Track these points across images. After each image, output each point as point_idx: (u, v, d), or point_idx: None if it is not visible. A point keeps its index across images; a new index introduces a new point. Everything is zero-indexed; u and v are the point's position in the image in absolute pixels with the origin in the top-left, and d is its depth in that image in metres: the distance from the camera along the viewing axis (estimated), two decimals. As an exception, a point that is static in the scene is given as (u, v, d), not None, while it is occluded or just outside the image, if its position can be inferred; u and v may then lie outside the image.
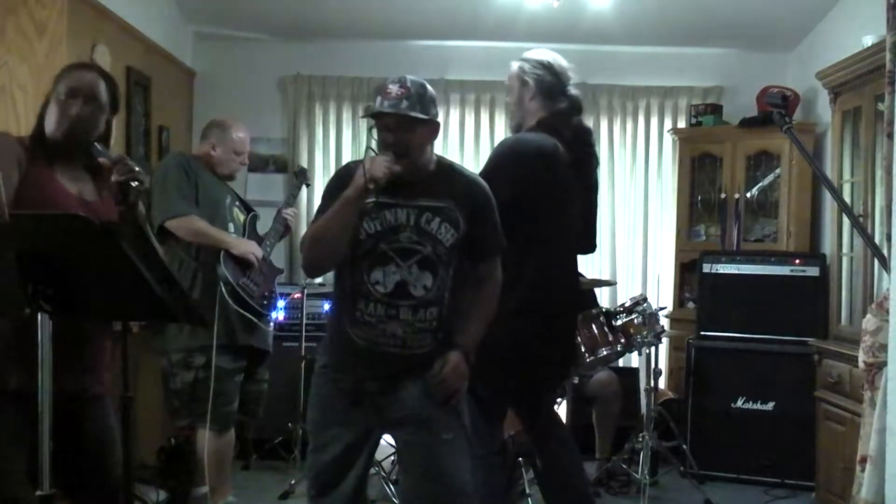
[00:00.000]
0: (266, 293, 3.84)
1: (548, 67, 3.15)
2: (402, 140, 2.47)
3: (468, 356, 2.59)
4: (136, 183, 2.29)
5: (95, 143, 2.44)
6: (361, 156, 2.53)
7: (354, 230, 2.50)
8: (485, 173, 2.94)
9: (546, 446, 3.39)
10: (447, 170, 2.64)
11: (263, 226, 4.08)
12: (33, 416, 1.97)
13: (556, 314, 3.15)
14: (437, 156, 2.64)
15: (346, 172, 2.59)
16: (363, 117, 2.55)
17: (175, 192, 3.65)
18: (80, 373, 2.39)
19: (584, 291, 3.53)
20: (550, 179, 3.06)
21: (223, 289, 3.62)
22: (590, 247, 3.47)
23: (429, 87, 2.54)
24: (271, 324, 3.99)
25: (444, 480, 2.54)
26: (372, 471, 4.54)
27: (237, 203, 3.96)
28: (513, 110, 3.26)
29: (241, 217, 3.94)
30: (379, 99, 2.49)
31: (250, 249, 3.76)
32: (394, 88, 2.47)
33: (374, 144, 2.51)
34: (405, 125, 2.46)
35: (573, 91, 3.18)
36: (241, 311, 3.67)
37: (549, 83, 3.14)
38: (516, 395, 3.24)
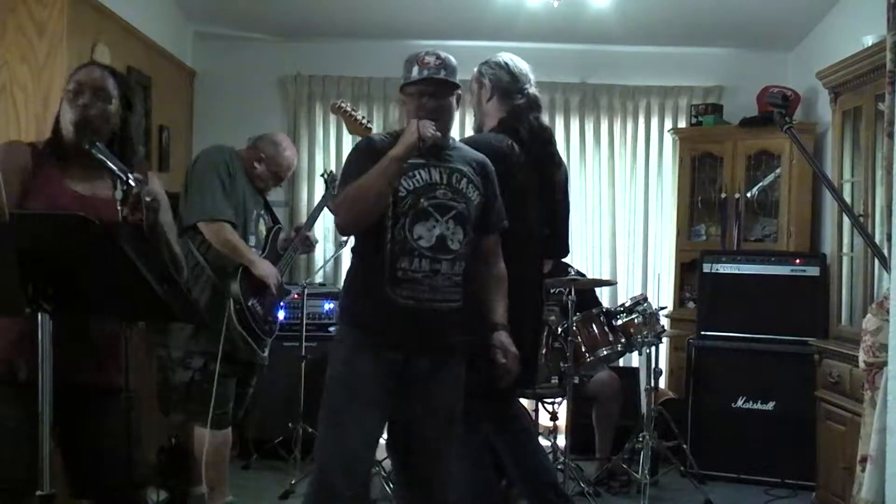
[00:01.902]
0: (270, 318, 3.82)
1: (504, 67, 3.20)
2: (442, 106, 2.65)
3: (508, 329, 2.77)
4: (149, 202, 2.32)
5: (97, 143, 2.43)
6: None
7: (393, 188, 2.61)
8: None
9: (510, 436, 3.36)
10: (459, 143, 2.85)
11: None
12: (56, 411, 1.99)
13: (512, 318, 3.02)
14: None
15: (371, 143, 2.74)
16: (406, 84, 2.68)
17: (220, 190, 3.61)
18: (97, 366, 2.40)
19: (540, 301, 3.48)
20: (503, 180, 3.00)
21: (232, 306, 3.61)
22: (560, 251, 3.44)
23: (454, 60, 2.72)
24: (266, 351, 3.91)
25: (455, 479, 2.73)
26: (372, 470, 4.59)
27: (263, 213, 3.92)
28: (474, 112, 3.32)
29: (264, 230, 3.89)
30: (417, 68, 2.64)
31: (270, 273, 3.71)
32: (431, 59, 2.65)
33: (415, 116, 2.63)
34: (445, 91, 2.65)
35: (531, 90, 3.19)
36: (243, 333, 3.65)
37: (506, 83, 3.18)
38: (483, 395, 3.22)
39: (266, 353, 3.87)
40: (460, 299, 2.68)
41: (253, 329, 3.70)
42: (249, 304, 3.66)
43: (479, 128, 3.27)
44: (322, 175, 4.73)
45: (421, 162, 2.63)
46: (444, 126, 2.67)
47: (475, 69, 3.27)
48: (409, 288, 2.58)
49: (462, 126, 5.71)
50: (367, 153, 2.66)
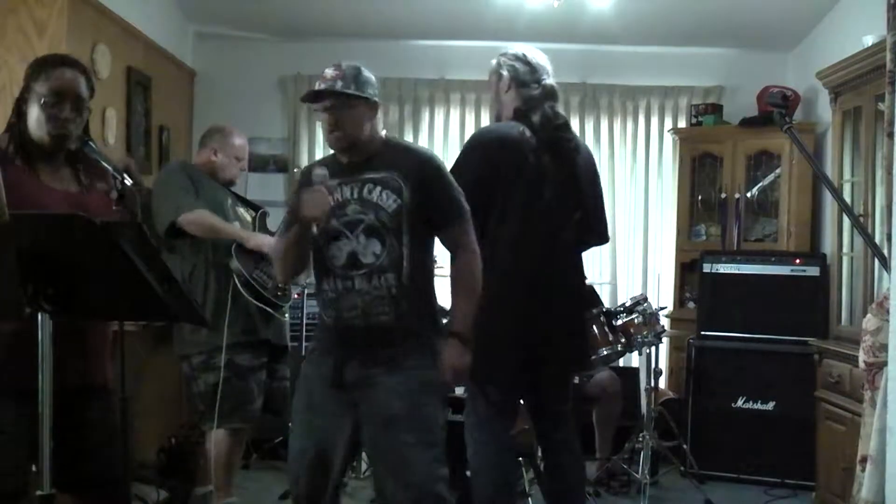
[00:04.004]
0: (280, 285, 3.80)
1: (521, 59, 3.25)
2: (342, 119, 2.60)
3: (462, 338, 2.63)
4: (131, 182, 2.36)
5: (90, 142, 2.44)
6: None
7: None
8: (454, 164, 3.09)
9: (546, 446, 3.40)
10: (394, 147, 2.76)
11: (273, 222, 4.06)
12: (33, 413, 1.98)
13: (529, 307, 3.10)
14: (388, 137, 2.79)
15: (307, 175, 2.71)
16: (303, 100, 2.73)
17: (180, 190, 3.63)
18: (79, 366, 2.40)
19: (582, 286, 3.48)
20: (515, 165, 3.10)
21: (236, 280, 3.61)
22: (595, 237, 3.45)
23: (365, 70, 2.67)
24: (287, 315, 3.96)
25: (408, 482, 2.56)
26: (370, 472, 4.58)
27: (240, 204, 3.93)
28: (492, 104, 3.38)
29: (248, 216, 3.91)
30: (317, 84, 2.63)
31: (263, 241, 3.72)
32: (329, 72, 2.62)
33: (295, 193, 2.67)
34: (343, 104, 2.60)
35: (548, 81, 3.25)
36: (257, 303, 3.65)
37: (523, 74, 3.23)
38: (518, 391, 3.25)
39: (287, 323, 3.90)
40: (391, 312, 2.60)
41: (265, 297, 3.69)
42: (254, 275, 3.66)
43: (497, 117, 3.34)
44: (295, 170, 4.76)
45: (334, 183, 2.61)
46: (350, 138, 2.63)
47: (493, 61, 3.31)
48: (330, 307, 2.66)
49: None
50: (302, 188, 2.69)
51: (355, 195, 2.63)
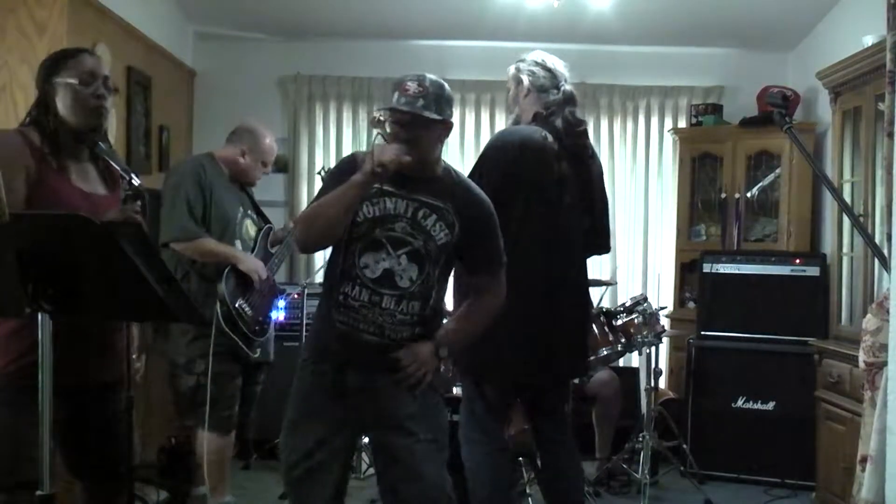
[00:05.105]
0: (260, 318, 3.77)
1: (541, 65, 3.27)
2: (413, 137, 2.48)
3: (437, 349, 2.58)
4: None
5: (100, 143, 2.45)
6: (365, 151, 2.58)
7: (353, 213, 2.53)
8: (477, 161, 3.12)
9: (544, 447, 3.40)
10: (453, 177, 2.66)
11: (272, 221, 4.05)
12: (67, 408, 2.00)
13: (533, 309, 3.11)
14: (447, 163, 2.67)
15: (352, 160, 2.63)
16: (378, 110, 2.57)
17: (186, 211, 3.57)
18: (85, 364, 2.41)
19: (587, 292, 3.50)
20: (537, 168, 3.12)
21: (219, 309, 3.58)
22: (601, 245, 3.46)
23: (447, 87, 2.56)
24: (271, 325, 3.94)
25: (424, 482, 2.54)
26: (371, 471, 4.59)
27: (250, 213, 3.87)
28: (510, 107, 3.39)
29: (252, 231, 3.85)
30: (396, 95, 2.50)
31: (256, 268, 3.69)
32: (412, 86, 2.49)
33: (378, 137, 2.54)
34: (418, 123, 2.48)
35: (567, 86, 3.26)
36: (232, 335, 3.62)
37: (543, 80, 3.24)
38: (516, 391, 3.26)
39: (259, 351, 3.82)
40: (408, 337, 2.55)
41: (242, 331, 3.67)
42: (237, 305, 3.63)
43: (515, 122, 3.36)
44: (319, 172, 4.73)
45: (390, 190, 2.52)
46: (421, 159, 2.49)
47: (512, 67, 3.33)
48: (345, 314, 2.53)
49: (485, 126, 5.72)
50: (346, 171, 2.55)
51: (408, 214, 2.54)
